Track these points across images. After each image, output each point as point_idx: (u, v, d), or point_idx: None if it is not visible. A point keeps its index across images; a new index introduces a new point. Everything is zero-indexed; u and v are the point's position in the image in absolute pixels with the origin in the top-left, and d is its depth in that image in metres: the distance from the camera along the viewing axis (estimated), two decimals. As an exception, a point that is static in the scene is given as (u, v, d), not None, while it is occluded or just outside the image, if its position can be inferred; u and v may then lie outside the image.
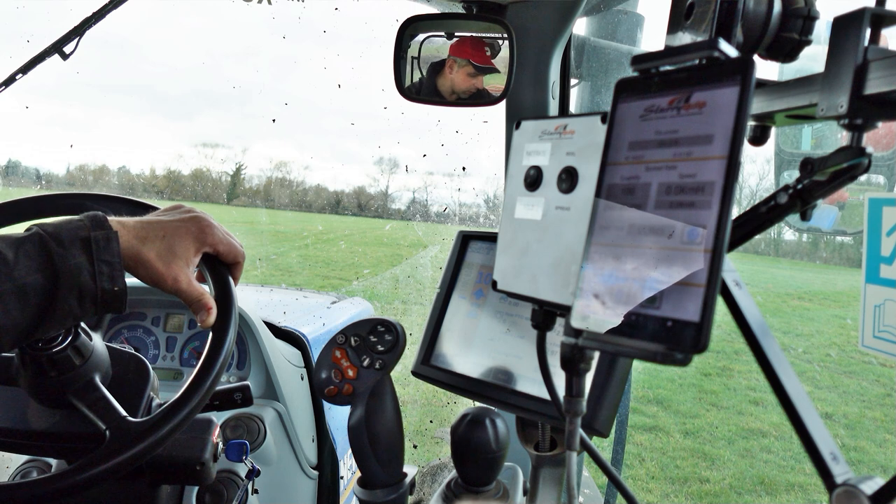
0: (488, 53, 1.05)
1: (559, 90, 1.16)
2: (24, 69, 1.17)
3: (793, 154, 1.07)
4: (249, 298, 1.93)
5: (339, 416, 1.62)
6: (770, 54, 0.49)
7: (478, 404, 0.86)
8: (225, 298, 0.88)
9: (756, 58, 0.44)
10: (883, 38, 0.42)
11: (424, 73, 1.08)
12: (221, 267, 0.91)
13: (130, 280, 0.78)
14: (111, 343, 0.92)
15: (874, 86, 0.40)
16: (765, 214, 0.48)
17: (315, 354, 1.55)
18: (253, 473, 1.15)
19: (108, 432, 0.78)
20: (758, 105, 0.49)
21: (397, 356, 0.98)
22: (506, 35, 1.03)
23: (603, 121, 0.48)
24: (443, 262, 0.91)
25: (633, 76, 0.43)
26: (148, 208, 0.97)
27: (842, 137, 0.43)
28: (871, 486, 0.41)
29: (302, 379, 1.54)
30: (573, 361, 0.47)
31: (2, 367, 0.83)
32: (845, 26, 0.42)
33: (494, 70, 1.05)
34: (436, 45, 1.08)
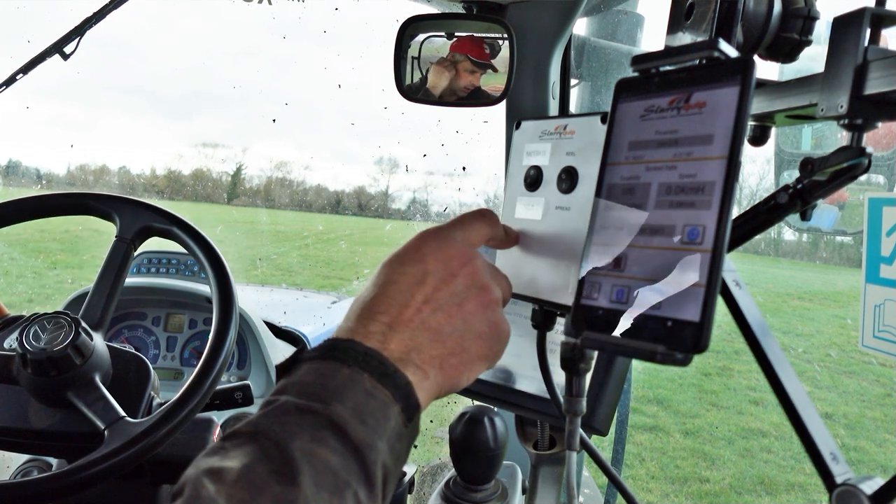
0: (487, 52, 1.05)
1: (559, 90, 1.16)
2: (25, 69, 1.17)
3: (793, 154, 1.07)
4: (250, 298, 1.93)
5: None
6: (770, 54, 0.49)
7: (477, 403, 0.86)
8: (225, 298, 0.89)
9: (756, 58, 0.44)
10: (883, 38, 0.42)
11: (424, 74, 1.08)
12: (221, 266, 0.91)
13: (130, 280, 0.78)
14: (112, 343, 0.92)
15: (874, 86, 0.40)
16: (765, 214, 0.48)
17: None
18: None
19: (106, 432, 0.78)
20: (758, 105, 0.49)
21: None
22: (506, 35, 1.03)
23: (603, 121, 0.48)
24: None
25: (633, 76, 0.43)
26: (148, 208, 0.97)
27: (842, 137, 0.43)
28: (871, 486, 0.41)
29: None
30: (573, 361, 0.47)
31: (2, 366, 0.83)
32: (845, 26, 0.42)
33: (492, 67, 1.05)
34: (436, 45, 1.08)
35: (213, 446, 0.39)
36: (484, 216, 0.52)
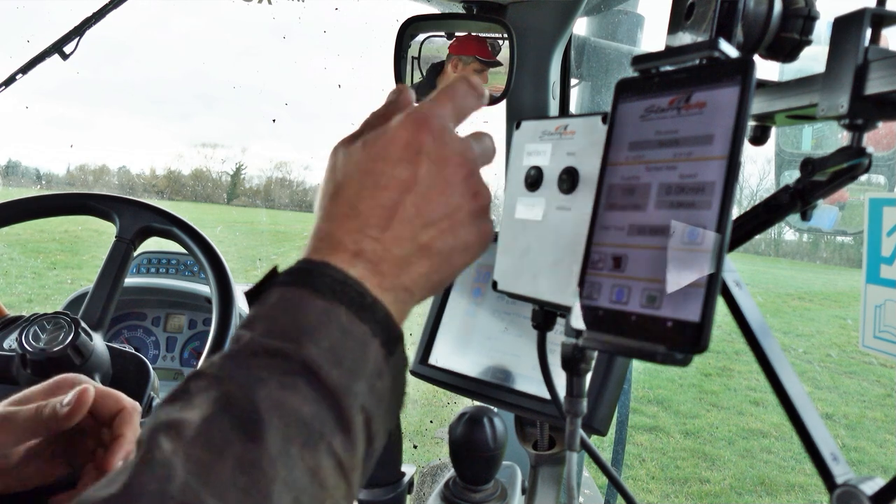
0: (491, 49, 1.06)
1: (559, 90, 1.16)
2: (24, 69, 1.17)
3: (793, 154, 1.07)
4: (249, 298, 1.93)
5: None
6: (770, 54, 0.49)
7: (476, 403, 0.86)
8: (225, 299, 0.89)
9: (756, 58, 0.44)
10: (883, 38, 0.42)
11: (425, 74, 1.08)
12: (221, 267, 0.91)
13: (130, 280, 0.78)
14: (111, 343, 0.92)
15: (875, 86, 0.40)
16: (765, 214, 0.48)
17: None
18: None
19: (107, 432, 0.78)
20: (758, 105, 0.49)
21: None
22: (506, 35, 1.03)
23: (603, 121, 0.48)
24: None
25: (634, 76, 0.43)
26: (148, 208, 0.97)
27: (842, 137, 0.43)
28: (871, 487, 0.41)
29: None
30: (574, 361, 0.47)
31: (2, 367, 0.83)
32: (846, 26, 0.42)
33: (499, 63, 1.05)
34: (436, 46, 1.08)
35: (177, 389, 0.36)
36: (473, 87, 0.47)
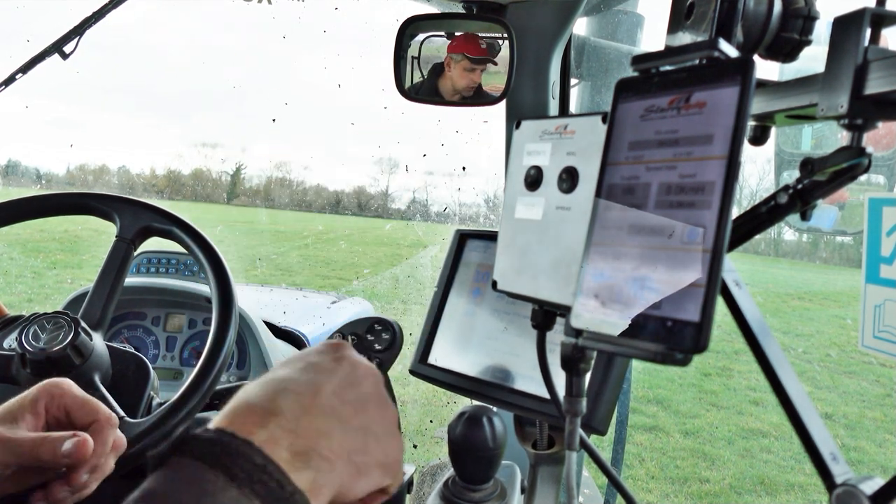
0: (483, 46, 1.05)
1: (559, 90, 1.16)
2: (24, 69, 1.17)
3: (793, 154, 1.07)
4: (249, 298, 1.93)
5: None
6: (770, 54, 0.49)
7: (476, 403, 0.86)
8: (224, 298, 0.89)
9: (756, 58, 0.44)
10: (883, 38, 0.42)
11: (425, 74, 1.08)
12: (221, 267, 0.91)
13: (130, 280, 0.79)
14: (111, 343, 0.92)
15: (874, 86, 0.40)
16: (765, 214, 0.48)
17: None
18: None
19: (107, 432, 0.78)
20: (758, 105, 0.49)
21: (395, 355, 0.99)
22: (506, 35, 1.03)
23: (603, 121, 0.48)
24: (442, 261, 0.91)
25: (634, 76, 0.43)
26: (149, 208, 0.97)
27: (842, 137, 0.43)
28: (870, 486, 0.41)
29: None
30: (574, 361, 0.47)
31: (2, 367, 0.83)
32: (845, 26, 0.42)
33: (491, 61, 1.05)
34: (436, 45, 1.08)
35: None
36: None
